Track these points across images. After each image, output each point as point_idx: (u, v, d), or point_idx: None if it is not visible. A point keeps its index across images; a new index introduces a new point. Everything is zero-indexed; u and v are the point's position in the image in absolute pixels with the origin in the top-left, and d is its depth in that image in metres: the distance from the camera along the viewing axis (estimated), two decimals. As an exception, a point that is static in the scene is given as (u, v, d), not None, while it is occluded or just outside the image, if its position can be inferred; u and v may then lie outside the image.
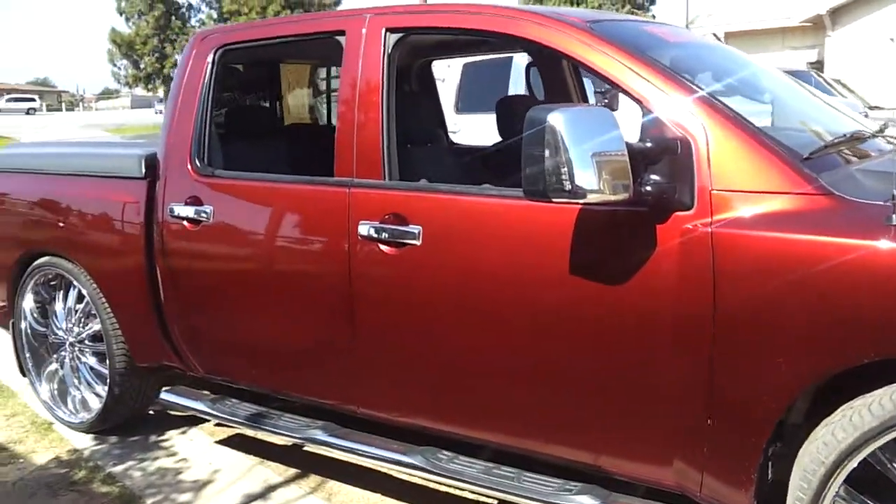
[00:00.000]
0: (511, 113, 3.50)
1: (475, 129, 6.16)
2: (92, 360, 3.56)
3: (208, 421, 3.62)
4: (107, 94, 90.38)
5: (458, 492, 2.92)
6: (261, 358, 2.89)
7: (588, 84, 4.07)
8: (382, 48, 2.53)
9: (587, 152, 1.85)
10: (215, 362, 3.09)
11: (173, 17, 42.12)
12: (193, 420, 3.64)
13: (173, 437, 3.52)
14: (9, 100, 61.24)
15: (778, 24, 22.53)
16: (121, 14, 42.01)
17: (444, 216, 2.33)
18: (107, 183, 3.21)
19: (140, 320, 3.19)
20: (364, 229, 2.45)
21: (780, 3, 21.89)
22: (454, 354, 2.37)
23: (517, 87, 6.80)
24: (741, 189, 1.92)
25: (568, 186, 1.85)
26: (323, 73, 4.35)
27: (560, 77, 3.67)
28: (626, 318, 2.03)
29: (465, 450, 2.52)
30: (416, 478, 2.98)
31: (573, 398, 2.17)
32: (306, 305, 2.67)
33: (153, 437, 3.52)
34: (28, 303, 3.71)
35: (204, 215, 2.88)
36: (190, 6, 43.58)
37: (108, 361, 3.35)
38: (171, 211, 2.97)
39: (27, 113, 57.92)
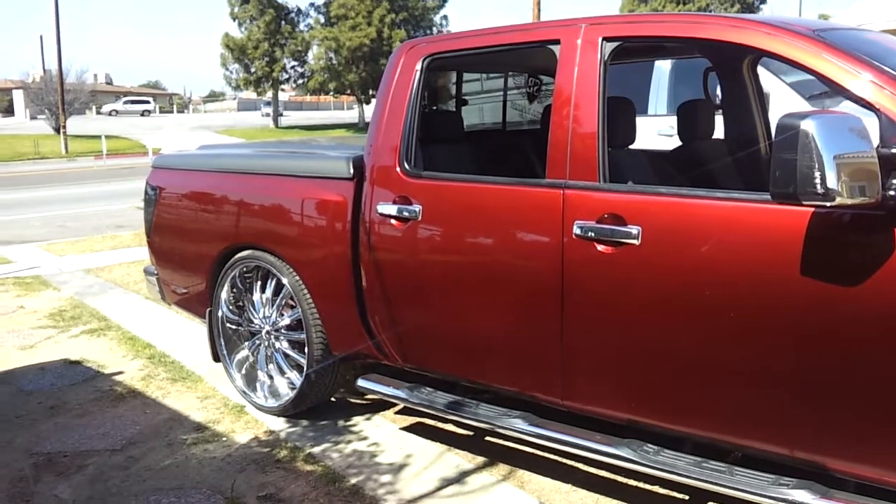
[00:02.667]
0: (692, 117, 3.56)
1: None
2: (287, 348, 3.81)
3: (389, 408, 3.85)
4: (213, 97, 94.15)
5: (647, 486, 3.03)
6: (466, 350, 3.06)
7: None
8: (599, 56, 2.65)
9: (838, 157, 1.93)
10: (417, 353, 3.28)
11: (283, 22, 43.51)
12: (375, 406, 3.87)
13: (360, 422, 3.74)
14: (126, 102, 64.72)
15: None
16: (234, 19, 43.68)
17: (665, 217, 2.43)
18: (315, 183, 3.45)
19: (341, 312, 3.42)
20: (579, 228, 2.58)
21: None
22: (672, 351, 2.46)
23: (657, 93, 6.83)
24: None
25: (820, 189, 1.93)
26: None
27: (741, 82, 3.70)
28: (864, 320, 2.08)
29: (663, 442, 2.62)
30: (605, 470, 3.11)
31: (808, 398, 2.23)
32: (515, 300, 2.81)
33: (341, 422, 3.74)
34: (225, 293, 4.00)
35: (413, 213, 3.07)
36: (299, 11, 45.01)
37: (306, 349, 3.59)
38: (380, 209, 3.18)
39: (142, 115, 61.07)
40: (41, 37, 55.05)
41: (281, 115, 50.66)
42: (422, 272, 3.11)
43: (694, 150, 3.55)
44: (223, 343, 4.06)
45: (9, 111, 62.95)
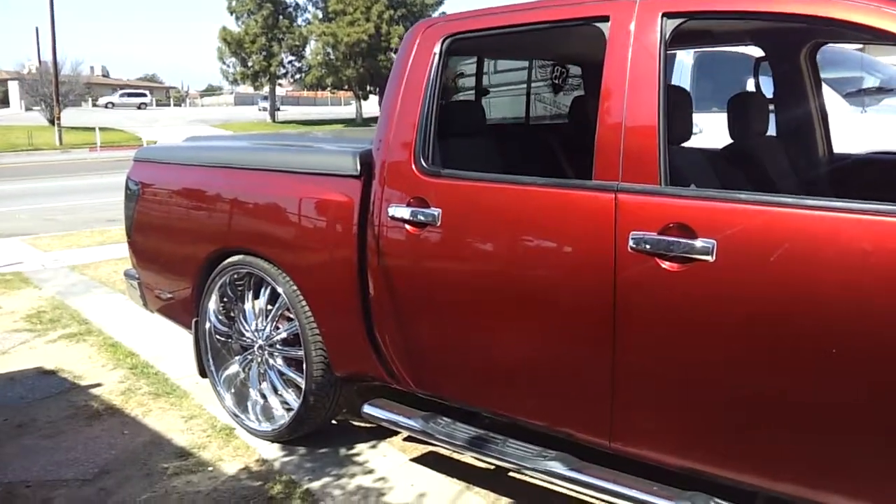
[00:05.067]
0: (746, 112, 3.14)
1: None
2: (282, 366, 3.38)
3: (396, 434, 3.42)
4: (210, 91, 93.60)
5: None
6: (493, 377, 2.63)
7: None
8: (659, 36, 2.22)
9: None
10: (433, 377, 2.85)
11: (280, 17, 42.98)
12: (380, 432, 3.43)
13: (364, 451, 3.31)
14: (122, 94, 64.05)
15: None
16: (231, 13, 43.16)
17: (747, 230, 2.00)
18: (317, 180, 3.01)
19: (345, 327, 2.99)
20: (636, 241, 2.15)
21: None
22: (755, 391, 2.03)
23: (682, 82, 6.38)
24: None
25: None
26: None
27: (799, 73, 3.29)
28: None
29: (732, 495, 2.19)
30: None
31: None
32: (555, 322, 2.38)
33: (343, 451, 3.31)
34: (213, 302, 3.57)
35: (430, 218, 2.64)
36: (297, 5, 44.43)
37: (305, 369, 3.16)
38: (391, 212, 2.75)
39: (139, 108, 60.46)
40: (37, 28, 54.51)
41: (278, 109, 50.10)
42: (442, 286, 2.68)
43: (749, 149, 3.12)
44: (211, 358, 3.63)
45: (4, 102, 62.23)
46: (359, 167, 2.87)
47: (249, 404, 3.53)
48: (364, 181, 2.88)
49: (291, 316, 3.24)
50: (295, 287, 3.12)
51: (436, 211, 2.63)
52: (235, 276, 3.46)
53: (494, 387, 2.64)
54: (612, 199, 2.23)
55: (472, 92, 3.83)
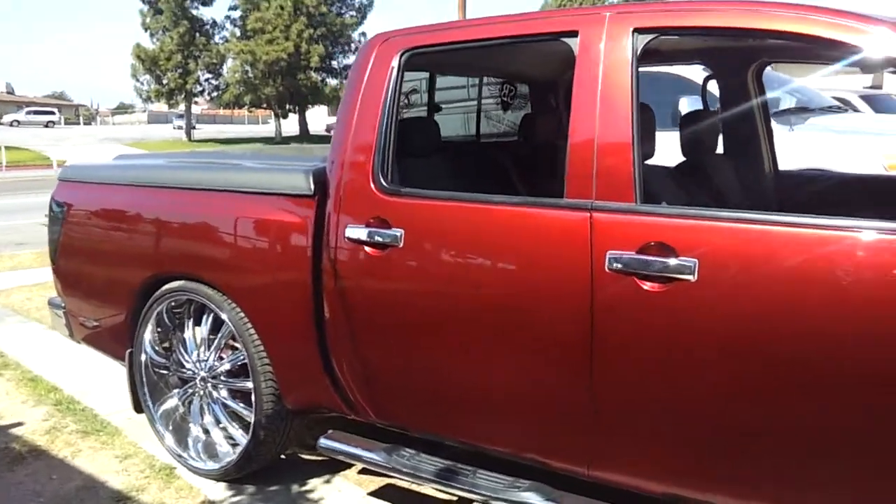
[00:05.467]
0: (697, 130, 3.15)
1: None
2: (227, 398, 3.18)
3: (351, 467, 3.25)
4: (122, 109, 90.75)
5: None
6: (463, 406, 2.51)
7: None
8: (631, 52, 2.17)
9: None
10: (395, 407, 2.71)
11: (197, 34, 42.03)
12: (332, 465, 3.26)
13: (318, 486, 3.13)
14: (28, 112, 61.49)
15: None
16: (146, 30, 41.93)
17: (730, 247, 1.95)
18: (265, 200, 2.84)
19: (298, 357, 2.82)
20: (614, 260, 2.08)
21: None
22: (740, 415, 1.98)
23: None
24: None
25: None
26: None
27: (745, 91, 3.31)
28: None
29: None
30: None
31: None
32: (529, 346, 2.29)
33: (295, 487, 3.13)
34: (149, 332, 3.34)
35: (392, 239, 2.51)
36: (214, 23, 43.55)
37: (254, 401, 2.98)
38: (348, 233, 2.61)
39: (46, 126, 58.07)
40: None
41: (194, 127, 48.85)
42: (404, 310, 2.55)
43: (702, 165, 3.12)
44: (147, 391, 3.39)
45: None
46: (312, 186, 2.73)
47: (191, 441, 3.30)
48: (318, 201, 2.73)
49: (237, 345, 3.05)
50: (242, 314, 2.94)
51: (398, 231, 2.51)
52: (173, 303, 3.25)
53: (465, 416, 2.53)
54: (586, 217, 2.15)
55: (422, 108, 3.73)
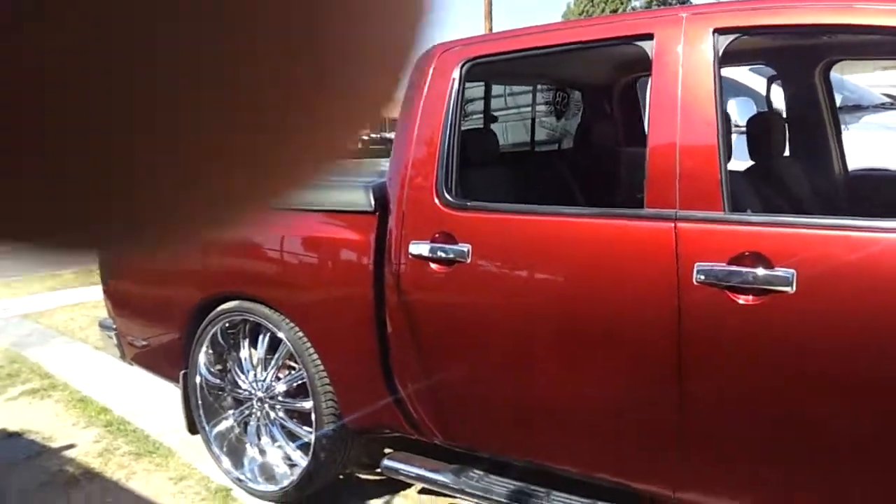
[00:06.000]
0: (764, 132, 3.03)
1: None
2: (285, 419, 3.11)
3: (410, 486, 3.16)
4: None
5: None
6: (540, 427, 2.41)
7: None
8: (713, 53, 2.07)
9: None
10: (466, 428, 2.62)
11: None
12: (392, 485, 3.17)
13: (378, 508, 3.06)
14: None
15: None
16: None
17: (830, 257, 1.84)
18: (324, 218, 2.77)
19: (360, 377, 2.75)
20: (703, 273, 1.98)
21: None
22: (840, 434, 1.87)
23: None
24: None
25: None
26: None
27: (811, 89, 3.19)
28: None
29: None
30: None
31: None
32: (612, 363, 2.19)
33: (356, 509, 3.05)
34: (203, 354, 3.28)
35: (459, 254, 2.43)
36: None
37: (314, 422, 2.90)
38: (412, 249, 2.53)
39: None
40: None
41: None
42: (474, 327, 2.46)
43: (772, 169, 3.00)
44: (202, 413, 3.33)
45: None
46: (373, 202, 2.65)
47: (247, 462, 3.24)
48: (379, 217, 2.66)
49: (295, 365, 2.98)
50: (301, 334, 2.87)
51: (465, 247, 2.42)
52: (227, 324, 3.19)
53: (543, 437, 2.42)
54: (671, 228, 2.05)
55: (480, 118, 3.65)
